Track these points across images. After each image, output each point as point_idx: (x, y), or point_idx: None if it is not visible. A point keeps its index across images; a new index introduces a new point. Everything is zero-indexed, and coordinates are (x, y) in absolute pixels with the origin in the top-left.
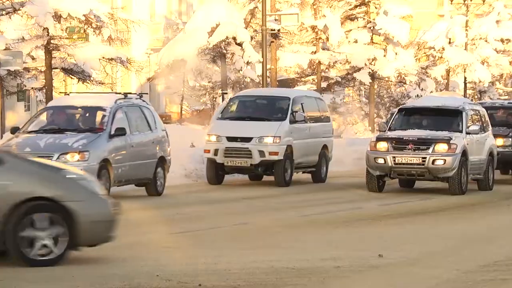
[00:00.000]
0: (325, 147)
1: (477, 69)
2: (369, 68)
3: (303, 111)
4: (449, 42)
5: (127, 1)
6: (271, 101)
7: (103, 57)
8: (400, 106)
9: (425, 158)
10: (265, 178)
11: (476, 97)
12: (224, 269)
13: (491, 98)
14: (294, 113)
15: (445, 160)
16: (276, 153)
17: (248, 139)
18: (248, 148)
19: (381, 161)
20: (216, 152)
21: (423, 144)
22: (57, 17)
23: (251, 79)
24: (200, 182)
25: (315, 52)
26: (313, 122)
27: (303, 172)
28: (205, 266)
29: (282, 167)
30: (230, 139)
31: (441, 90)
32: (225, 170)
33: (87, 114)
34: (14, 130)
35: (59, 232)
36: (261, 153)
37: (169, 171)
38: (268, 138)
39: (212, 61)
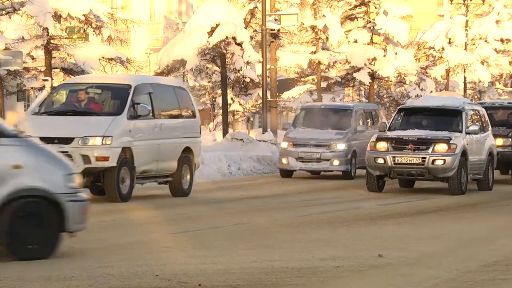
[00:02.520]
0: (188, 150)
1: (477, 69)
2: (369, 68)
3: (151, 104)
4: (449, 42)
5: (127, 1)
6: (106, 90)
7: (103, 57)
8: (400, 106)
9: (425, 158)
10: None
11: (476, 97)
12: (224, 269)
13: (491, 98)
14: (135, 106)
15: (445, 160)
16: (105, 158)
17: (68, 140)
18: (68, 152)
19: (381, 161)
20: None
21: (423, 144)
22: (57, 17)
23: (251, 79)
24: (207, 181)
25: (315, 52)
26: (167, 118)
27: (159, 183)
28: (205, 266)
29: (115, 177)
30: (44, 140)
31: (441, 90)
32: None
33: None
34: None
35: None
36: (86, 158)
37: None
38: (96, 139)
39: (212, 61)
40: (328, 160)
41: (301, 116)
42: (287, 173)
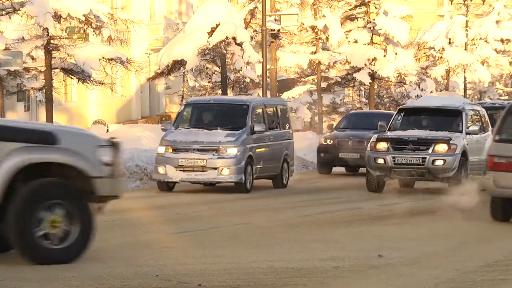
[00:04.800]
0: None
1: (477, 69)
2: (369, 68)
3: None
4: (449, 42)
5: (127, 1)
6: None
7: (103, 57)
8: (400, 107)
9: (425, 158)
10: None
11: (476, 97)
12: (224, 269)
13: (491, 98)
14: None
15: (445, 160)
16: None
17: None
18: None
19: (381, 161)
20: None
21: (423, 144)
22: (57, 17)
23: (251, 79)
24: None
25: (315, 52)
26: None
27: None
28: (205, 266)
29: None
30: None
31: (441, 90)
32: None
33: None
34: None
35: None
36: None
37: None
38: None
39: (212, 61)
40: (215, 168)
41: (184, 114)
42: (166, 186)
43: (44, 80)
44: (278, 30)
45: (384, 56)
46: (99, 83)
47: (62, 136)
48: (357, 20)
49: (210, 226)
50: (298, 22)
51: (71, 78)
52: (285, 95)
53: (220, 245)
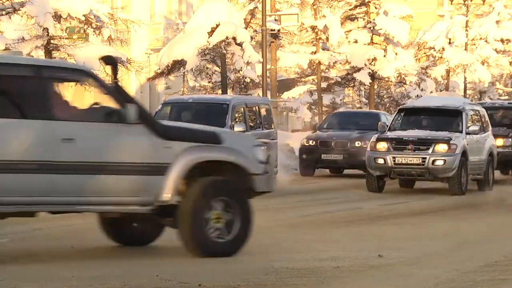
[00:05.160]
0: None
1: (477, 69)
2: (369, 68)
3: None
4: (449, 42)
5: (127, 1)
6: None
7: None
8: (400, 107)
9: (425, 158)
10: None
11: (476, 97)
12: (224, 269)
13: (491, 99)
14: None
15: (445, 160)
16: None
17: None
18: None
19: (381, 161)
20: None
21: (423, 144)
22: (57, 17)
23: (251, 79)
24: None
25: (315, 52)
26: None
27: None
28: (205, 266)
29: None
30: None
31: (441, 91)
32: None
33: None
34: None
35: None
36: None
37: None
38: None
39: (212, 61)
40: None
41: (162, 113)
42: None
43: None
44: (278, 30)
45: (384, 56)
46: None
47: (224, 137)
48: (357, 20)
49: None
50: (298, 22)
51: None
52: (285, 95)
53: None
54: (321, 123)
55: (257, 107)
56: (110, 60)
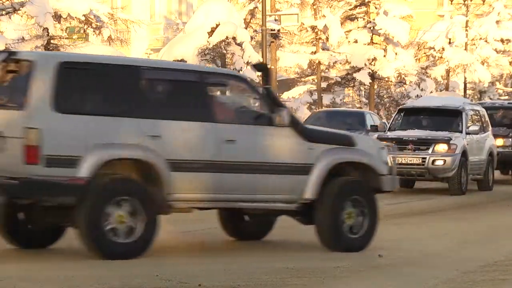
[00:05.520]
0: None
1: (477, 69)
2: (369, 68)
3: None
4: (449, 42)
5: (127, 1)
6: None
7: None
8: (400, 107)
9: (425, 158)
10: None
11: (476, 97)
12: (224, 269)
13: (491, 98)
14: None
15: (445, 160)
16: None
17: None
18: None
19: None
20: None
21: (423, 144)
22: (57, 17)
23: (251, 79)
24: None
25: (315, 52)
26: None
27: None
28: (205, 266)
29: None
30: None
31: (441, 90)
32: None
33: None
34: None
35: None
36: None
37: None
38: None
39: (212, 61)
40: None
41: None
42: None
43: None
44: (278, 30)
45: (384, 56)
46: None
47: (357, 140)
48: (357, 20)
49: (210, 226)
50: (298, 22)
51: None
52: (285, 95)
53: (220, 245)
54: (304, 122)
55: None
56: (261, 67)
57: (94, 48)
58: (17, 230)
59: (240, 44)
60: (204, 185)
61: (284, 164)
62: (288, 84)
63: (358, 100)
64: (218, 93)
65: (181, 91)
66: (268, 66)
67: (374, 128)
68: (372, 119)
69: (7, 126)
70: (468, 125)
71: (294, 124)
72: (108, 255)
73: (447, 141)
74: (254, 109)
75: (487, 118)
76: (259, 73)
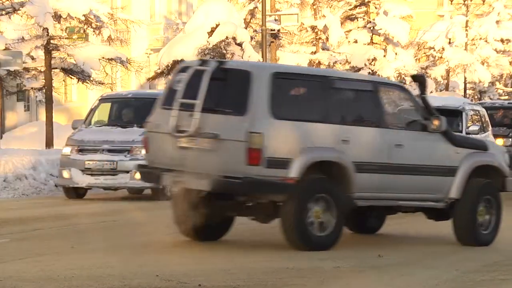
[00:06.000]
0: None
1: (477, 69)
2: (369, 68)
3: None
4: (449, 42)
5: (127, 1)
6: None
7: (103, 57)
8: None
9: None
10: None
11: (476, 97)
12: (224, 269)
13: (491, 98)
14: None
15: None
16: None
17: None
18: None
19: None
20: None
21: None
22: (57, 17)
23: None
24: None
25: (315, 52)
26: None
27: None
28: (205, 266)
29: None
30: None
31: (441, 90)
32: None
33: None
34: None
35: None
36: None
37: None
38: None
39: None
40: (127, 172)
41: (98, 110)
42: (74, 192)
43: (44, 80)
44: (278, 30)
45: (384, 56)
46: (99, 83)
47: (489, 145)
48: (357, 20)
49: None
50: (298, 22)
51: (71, 78)
52: None
53: (220, 245)
54: None
55: None
56: (420, 78)
57: (94, 48)
58: (198, 224)
59: (240, 44)
60: (377, 184)
61: (437, 166)
62: None
63: None
64: (388, 101)
65: (361, 99)
66: (425, 76)
67: None
68: None
69: (225, 130)
70: (468, 125)
71: (445, 130)
72: (308, 247)
73: None
74: (414, 116)
75: (487, 118)
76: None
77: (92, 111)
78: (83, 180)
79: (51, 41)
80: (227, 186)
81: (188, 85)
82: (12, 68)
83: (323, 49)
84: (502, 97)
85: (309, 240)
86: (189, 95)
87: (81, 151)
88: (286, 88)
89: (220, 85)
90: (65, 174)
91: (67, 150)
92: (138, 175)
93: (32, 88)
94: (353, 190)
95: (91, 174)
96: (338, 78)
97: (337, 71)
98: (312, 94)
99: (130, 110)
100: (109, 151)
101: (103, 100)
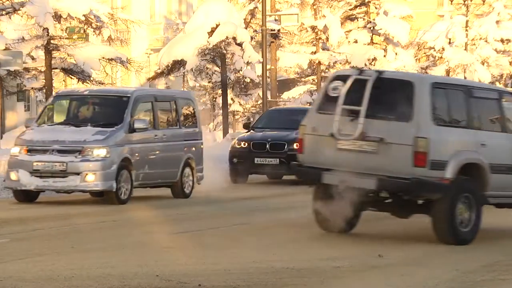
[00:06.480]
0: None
1: (477, 69)
2: (369, 68)
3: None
4: (449, 42)
5: (127, 1)
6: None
7: (103, 57)
8: None
9: None
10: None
11: None
12: (224, 269)
13: None
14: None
15: None
16: None
17: None
18: None
19: None
20: None
21: None
22: (57, 17)
23: (251, 79)
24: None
25: (315, 52)
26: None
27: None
28: (205, 266)
29: None
30: None
31: None
32: None
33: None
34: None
35: None
36: None
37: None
38: None
39: (212, 61)
40: (78, 174)
41: (51, 108)
42: (23, 195)
43: (44, 80)
44: (278, 30)
45: (384, 56)
46: (99, 83)
47: None
48: (357, 20)
49: (210, 226)
50: (298, 22)
51: (71, 78)
52: (285, 95)
53: (220, 245)
54: (256, 121)
55: (173, 102)
56: None
57: (94, 48)
58: (348, 218)
59: (240, 44)
60: (505, 184)
61: None
62: (288, 84)
63: None
64: (509, 107)
65: (491, 107)
66: None
67: None
68: None
69: (390, 134)
70: None
71: None
72: (456, 242)
73: None
74: None
75: None
76: (259, 74)
77: (45, 109)
78: (31, 182)
79: (51, 41)
80: (395, 185)
81: (348, 92)
82: (12, 68)
83: (323, 49)
84: None
85: (457, 235)
86: (350, 102)
87: (29, 151)
88: (441, 96)
89: (380, 93)
90: (13, 176)
91: (15, 151)
92: (89, 177)
93: (32, 88)
94: (488, 189)
95: (40, 176)
96: (477, 88)
97: (474, 81)
98: (459, 102)
99: (86, 108)
100: (59, 151)
101: (58, 97)
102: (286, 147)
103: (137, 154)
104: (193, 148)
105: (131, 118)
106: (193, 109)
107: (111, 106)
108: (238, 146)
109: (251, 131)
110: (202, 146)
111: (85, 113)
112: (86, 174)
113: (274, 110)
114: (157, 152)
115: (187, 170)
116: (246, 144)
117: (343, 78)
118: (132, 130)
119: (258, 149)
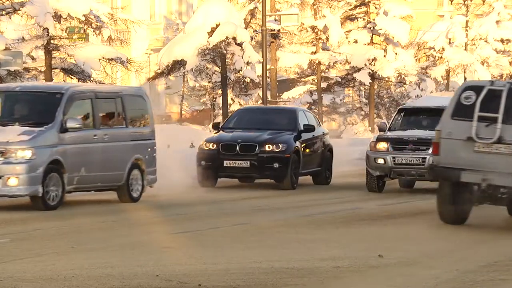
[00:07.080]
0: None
1: (477, 69)
2: (369, 69)
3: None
4: (449, 43)
5: (127, 1)
6: None
7: (103, 57)
8: (400, 107)
9: (425, 158)
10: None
11: None
12: (224, 269)
13: None
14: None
15: None
16: None
17: None
18: None
19: (381, 161)
20: None
21: (423, 144)
22: (57, 17)
23: (251, 79)
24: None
25: (315, 52)
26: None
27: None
28: (205, 266)
29: None
30: None
31: (441, 91)
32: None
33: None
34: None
35: None
36: None
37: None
38: None
39: (212, 61)
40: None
41: None
42: None
43: (44, 80)
44: (278, 30)
45: (384, 56)
46: (99, 83)
47: None
48: (357, 20)
49: (210, 226)
50: (298, 22)
51: (71, 78)
52: (285, 95)
53: (220, 245)
54: (226, 121)
55: (119, 99)
56: None
57: (94, 48)
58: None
59: (240, 44)
60: None
61: None
62: (288, 84)
63: (358, 101)
64: None
65: None
66: None
67: (309, 129)
68: (306, 117)
69: None
70: None
71: None
72: None
73: None
74: None
75: None
76: (259, 74)
77: None
78: None
79: (51, 41)
80: None
81: (482, 101)
82: (12, 68)
83: (323, 49)
84: None
85: None
86: (484, 110)
87: None
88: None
89: None
90: None
91: None
92: (11, 181)
93: None
94: None
95: None
96: None
97: None
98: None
99: (14, 105)
100: None
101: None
102: (257, 148)
103: (71, 156)
104: (144, 149)
105: (64, 117)
106: (145, 106)
107: (43, 104)
108: (206, 148)
109: (221, 131)
110: (155, 147)
111: (13, 111)
112: (8, 178)
113: (245, 109)
114: (97, 153)
115: (135, 172)
116: (215, 145)
117: (475, 88)
118: (64, 129)
119: (227, 151)
